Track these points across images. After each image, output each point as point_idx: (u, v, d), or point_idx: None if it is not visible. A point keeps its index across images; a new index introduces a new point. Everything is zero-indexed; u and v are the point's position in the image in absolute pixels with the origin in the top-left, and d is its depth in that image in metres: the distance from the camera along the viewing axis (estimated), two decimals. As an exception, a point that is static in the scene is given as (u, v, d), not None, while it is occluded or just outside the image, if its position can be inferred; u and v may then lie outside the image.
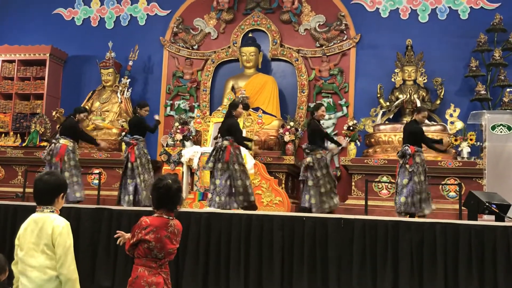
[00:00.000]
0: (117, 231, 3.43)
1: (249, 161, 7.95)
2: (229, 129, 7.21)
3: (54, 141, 7.89)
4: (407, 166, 6.98)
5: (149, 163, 7.98)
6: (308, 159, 7.37)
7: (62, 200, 3.10)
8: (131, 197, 7.71)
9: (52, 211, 3.01)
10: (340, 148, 9.21)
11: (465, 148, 8.65)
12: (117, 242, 3.37)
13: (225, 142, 7.10)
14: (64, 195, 3.13)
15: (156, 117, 8.53)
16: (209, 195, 7.13)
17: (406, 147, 7.07)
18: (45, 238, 2.92)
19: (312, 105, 9.96)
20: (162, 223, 3.15)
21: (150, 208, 3.29)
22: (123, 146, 9.50)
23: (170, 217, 3.19)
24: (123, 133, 9.60)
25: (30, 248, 2.94)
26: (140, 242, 3.11)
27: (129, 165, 7.80)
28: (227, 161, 7.03)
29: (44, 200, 3.03)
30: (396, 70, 9.64)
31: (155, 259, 3.11)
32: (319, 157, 7.41)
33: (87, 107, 10.46)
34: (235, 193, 7.03)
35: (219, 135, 7.29)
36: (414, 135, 7.19)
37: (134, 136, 7.92)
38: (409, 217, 6.78)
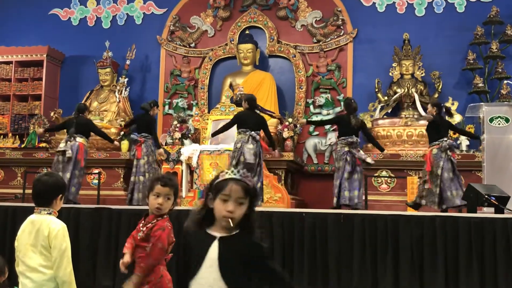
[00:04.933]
0: (121, 265, 3.17)
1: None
2: (264, 124, 7.16)
3: (68, 138, 7.56)
4: (452, 159, 6.72)
5: (155, 162, 7.78)
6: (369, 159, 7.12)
7: (60, 201, 3.07)
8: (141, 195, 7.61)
9: (50, 213, 2.99)
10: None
11: (464, 141, 8.66)
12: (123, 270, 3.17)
13: (257, 137, 7.00)
14: (63, 197, 3.10)
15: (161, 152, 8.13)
16: None
17: (450, 140, 6.85)
18: (42, 240, 2.92)
19: (310, 100, 10.00)
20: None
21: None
22: (123, 145, 9.51)
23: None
24: (122, 133, 9.60)
25: (28, 250, 2.94)
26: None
27: (135, 162, 7.60)
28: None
29: (42, 201, 3.01)
30: (393, 65, 9.64)
31: (165, 259, 3.19)
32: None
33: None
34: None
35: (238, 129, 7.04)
36: (449, 127, 7.10)
37: (142, 134, 7.70)
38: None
